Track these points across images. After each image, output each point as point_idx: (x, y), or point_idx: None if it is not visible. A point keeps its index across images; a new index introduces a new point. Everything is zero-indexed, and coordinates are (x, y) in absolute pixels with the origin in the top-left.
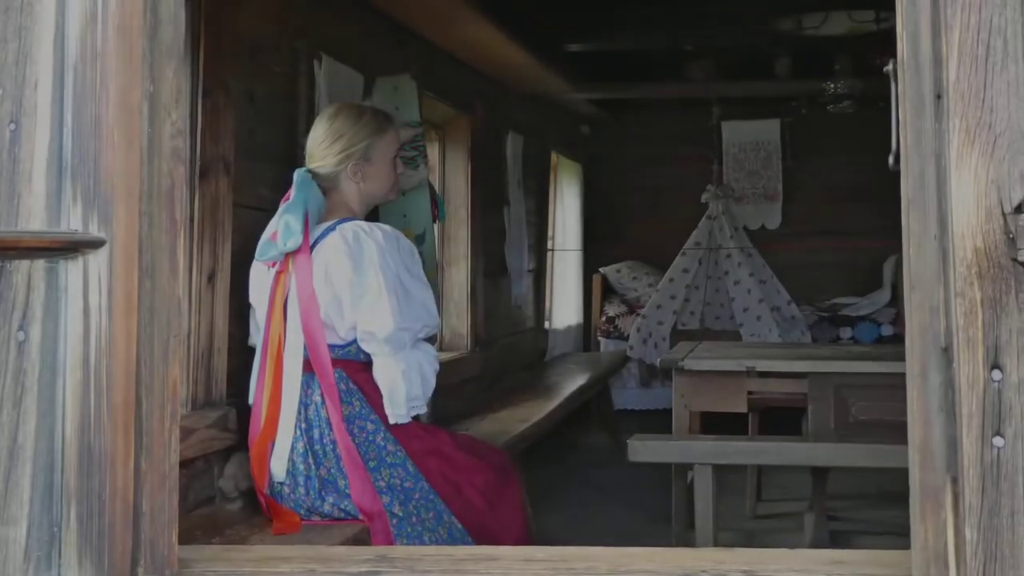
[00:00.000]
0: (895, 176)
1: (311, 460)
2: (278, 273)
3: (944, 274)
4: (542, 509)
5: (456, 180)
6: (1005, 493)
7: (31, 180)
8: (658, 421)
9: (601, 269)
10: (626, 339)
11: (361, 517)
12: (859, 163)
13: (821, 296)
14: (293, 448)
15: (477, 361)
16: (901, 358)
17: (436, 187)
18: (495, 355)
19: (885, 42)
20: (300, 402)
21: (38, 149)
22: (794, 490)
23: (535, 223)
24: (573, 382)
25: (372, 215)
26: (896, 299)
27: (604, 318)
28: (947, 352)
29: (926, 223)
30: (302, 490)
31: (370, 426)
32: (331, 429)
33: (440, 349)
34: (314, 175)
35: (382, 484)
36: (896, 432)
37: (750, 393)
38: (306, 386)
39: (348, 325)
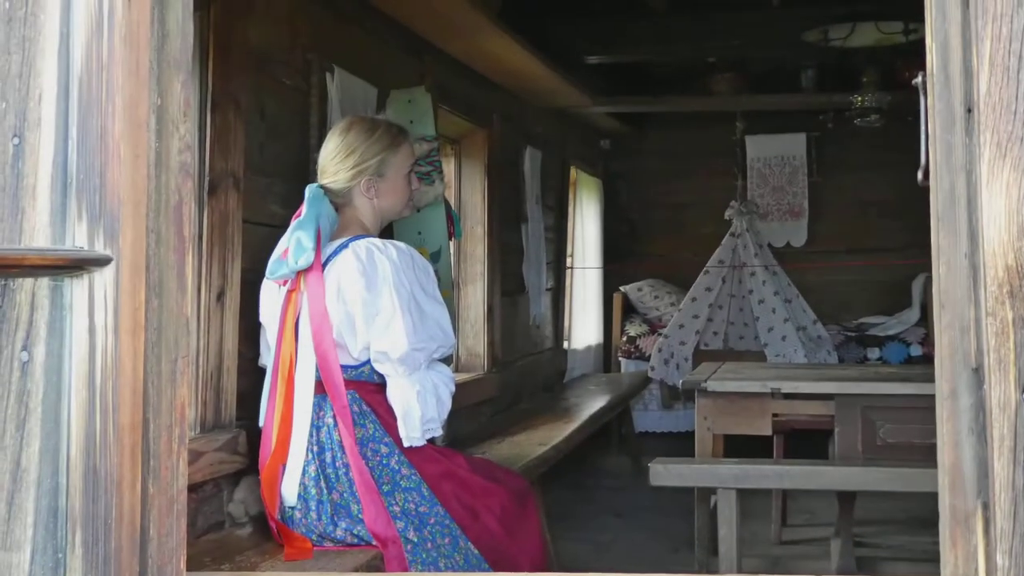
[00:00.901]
0: (924, 192)
1: (323, 484)
2: (289, 292)
3: (975, 293)
4: (561, 534)
5: (472, 196)
6: None
7: (35, 196)
8: (680, 444)
9: (622, 287)
10: (647, 359)
11: (375, 543)
12: (887, 178)
13: (848, 315)
14: (305, 472)
15: (494, 382)
16: (930, 379)
17: (452, 203)
18: (512, 376)
19: (914, 54)
20: (312, 424)
21: (42, 164)
22: (820, 515)
23: (554, 240)
24: (593, 404)
25: (386, 232)
26: (925, 318)
27: (625, 338)
28: (978, 373)
29: (956, 240)
30: (314, 515)
31: (384, 449)
32: (344, 452)
33: (456, 370)
34: (326, 191)
35: (396, 509)
36: (925, 455)
37: (775, 415)
38: (318, 408)
39: (361, 345)
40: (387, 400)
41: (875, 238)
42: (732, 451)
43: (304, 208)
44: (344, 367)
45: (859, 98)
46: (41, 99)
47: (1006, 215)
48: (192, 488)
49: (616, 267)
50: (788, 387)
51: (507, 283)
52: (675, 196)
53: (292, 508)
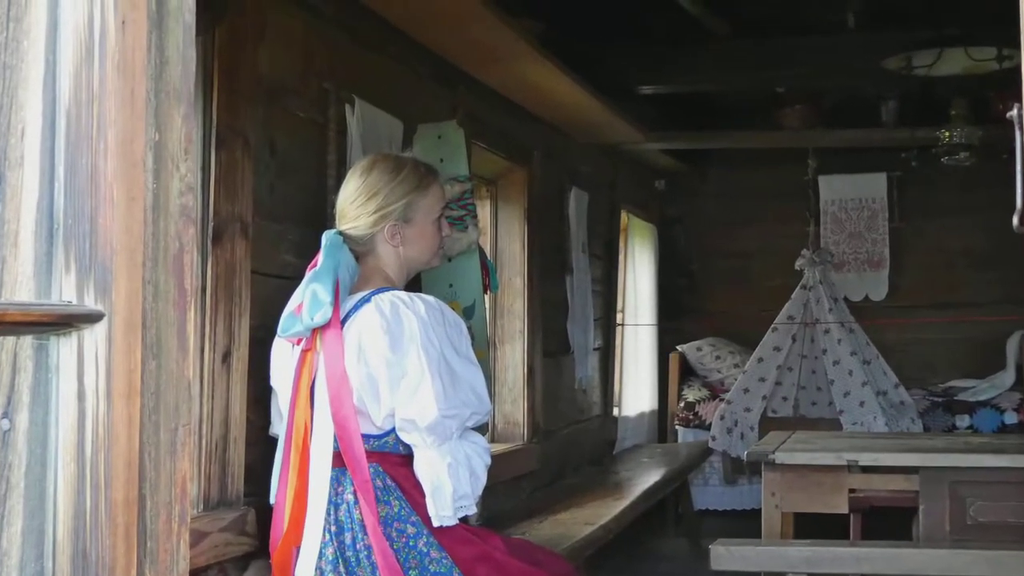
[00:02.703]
0: (1020, 239)
1: (342, 568)
2: (304, 351)
3: None
4: None
5: (510, 244)
6: None
7: (17, 244)
8: (745, 523)
9: (679, 347)
10: (708, 428)
11: None
12: (978, 224)
13: (934, 378)
14: (322, 555)
15: (535, 454)
16: None
17: (487, 252)
18: (556, 447)
19: (1009, 83)
20: (330, 501)
21: (25, 207)
22: None
23: (602, 294)
24: (647, 478)
25: (413, 284)
26: (1022, 382)
27: (682, 404)
28: None
29: None
30: None
31: (411, 529)
32: (365, 533)
33: (492, 440)
34: (346, 238)
35: None
36: (1021, 536)
37: (851, 491)
38: (336, 482)
39: (385, 412)
40: (414, 474)
41: (964, 291)
42: (803, 531)
43: (321, 257)
44: (366, 437)
45: (946, 133)
46: (24, 134)
47: None
48: (194, 573)
49: (672, 324)
50: (866, 459)
51: (549, 342)
52: (739, 244)
53: None
